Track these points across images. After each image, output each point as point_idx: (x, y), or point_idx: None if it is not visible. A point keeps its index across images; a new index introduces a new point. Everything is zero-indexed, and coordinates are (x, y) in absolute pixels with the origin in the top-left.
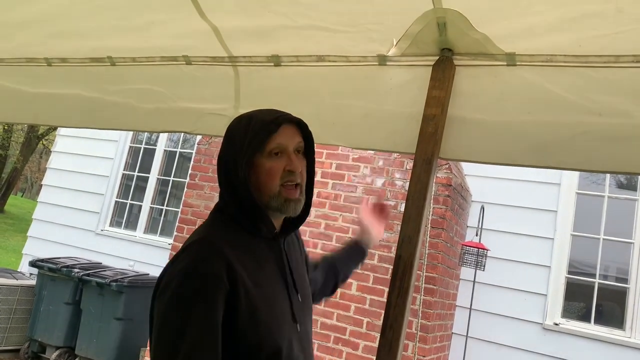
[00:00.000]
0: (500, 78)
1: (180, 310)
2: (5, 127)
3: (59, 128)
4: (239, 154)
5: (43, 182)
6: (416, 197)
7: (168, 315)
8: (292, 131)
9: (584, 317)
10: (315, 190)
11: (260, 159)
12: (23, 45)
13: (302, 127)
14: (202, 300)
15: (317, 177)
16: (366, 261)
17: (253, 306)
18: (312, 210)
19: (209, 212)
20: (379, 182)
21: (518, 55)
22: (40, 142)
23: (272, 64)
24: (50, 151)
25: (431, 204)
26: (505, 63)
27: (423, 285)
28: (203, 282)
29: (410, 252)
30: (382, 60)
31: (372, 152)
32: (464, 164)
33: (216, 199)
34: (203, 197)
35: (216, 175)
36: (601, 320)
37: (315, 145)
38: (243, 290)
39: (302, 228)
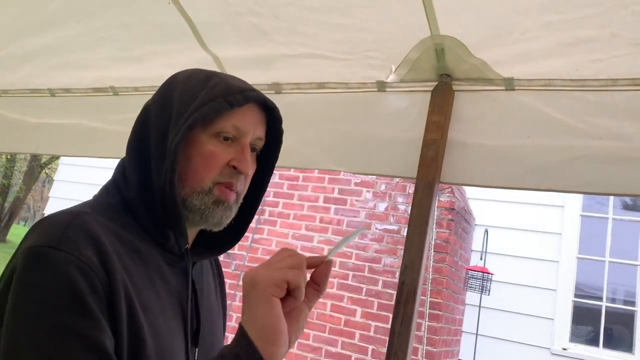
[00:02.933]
0: (499, 102)
1: (30, 309)
2: (9, 157)
3: (61, 157)
4: (177, 117)
5: (45, 211)
6: (418, 222)
7: (13, 321)
8: (257, 118)
9: (593, 341)
10: (318, 216)
11: (202, 135)
12: (27, 76)
13: (271, 119)
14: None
15: (320, 202)
16: (370, 287)
17: (137, 330)
18: (315, 236)
19: None
20: (382, 206)
21: (516, 80)
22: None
23: (273, 91)
24: (53, 180)
25: (434, 229)
26: (503, 88)
27: (427, 311)
28: (70, 276)
29: (414, 278)
30: (382, 86)
31: (374, 176)
32: (466, 188)
33: None
34: None
35: None
36: (610, 344)
37: (279, 155)
38: (124, 295)
39: (304, 254)
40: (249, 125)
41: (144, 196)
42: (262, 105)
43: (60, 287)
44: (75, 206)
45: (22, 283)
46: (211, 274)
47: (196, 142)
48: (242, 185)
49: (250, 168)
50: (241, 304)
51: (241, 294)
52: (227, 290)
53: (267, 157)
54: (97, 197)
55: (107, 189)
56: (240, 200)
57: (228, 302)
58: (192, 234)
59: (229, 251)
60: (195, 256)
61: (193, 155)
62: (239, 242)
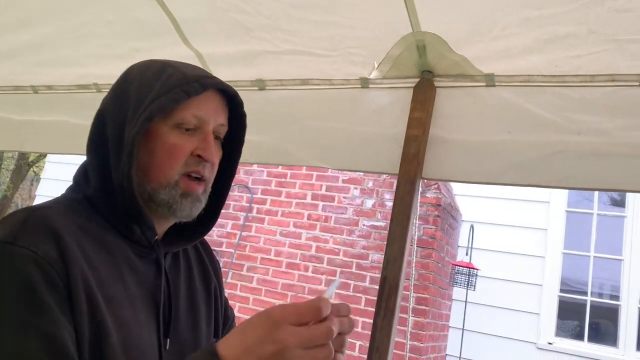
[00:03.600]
0: (480, 98)
1: None
2: None
3: (48, 155)
4: (134, 110)
5: None
6: (400, 217)
7: None
8: (217, 105)
9: (578, 336)
10: (306, 213)
11: (162, 127)
12: (9, 73)
13: (233, 105)
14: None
15: (307, 199)
16: (358, 283)
17: (100, 327)
18: (303, 233)
19: None
20: (369, 203)
21: (497, 76)
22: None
23: (257, 88)
24: (40, 178)
25: (416, 224)
26: (484, 84)
27: (412, 305)
28: (27, 271)
29: (396, 273)
30: (365, 82)
31: (362, 173)
32: (453, 184)
33: None
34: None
35: None
36: (595, 338)
37: (245, 136)
38: (85, 288)
39: (292, 251)
40: (210, 113)
41: (105, 192)
42: (221, 92)
43: (14, 282)
44: (39, 203)
45: None
46: (196, 259)
47: (157, 135)
48: (210, 174)
49: (215, 156)
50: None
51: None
52: None
53: (233, 142)
54: (62, 195)
55: (70, 188)
56: (209, 188)
57: None
58: (164, 225)
59: (217, 249)
60: (167, 246)
61: (156, 149)
62: (227, 240)
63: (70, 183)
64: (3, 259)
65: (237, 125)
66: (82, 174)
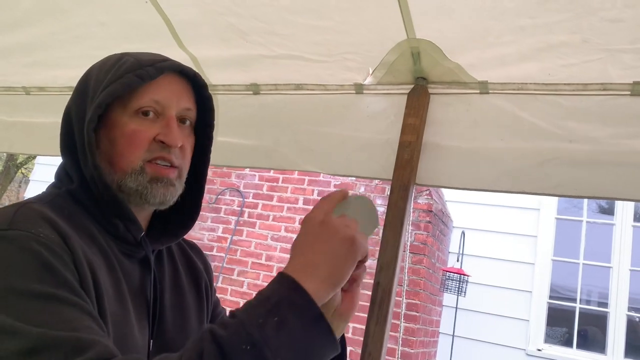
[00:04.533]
0: (474, 106)
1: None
2: None
3: (37, 157)
4: (90, 102)
5: None
6: (394, 223)
7: None
8: (178, 87)
9: (567, 342)
10: (298, 217)
11: (121, 116)
12: (1, 74)
13: (196, 88)
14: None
15: (299, 204)
16: None
17: (102, 314)
18: (294, 238)
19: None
20: None
21: (490, 84)
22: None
23: (251, 92)
24: (29, 180)
25: (409, 230)
26: (478, 91)
27: (404, 311)
28: (25, 242)
29: (389, 278)
30: (359, 88)
31: (354, 178)
32: (444, 190)
33: None
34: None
35: None
36: (583, 345)
37: (214, 119)
38: (90, 272)
39: (283, 255)
40: (170, 97)
41: (85, 188)
42: (182, 74)
43: (28, 259)
44: (21, 202)
45: None
46: (180, 255)
47: (117, 124)
48: (180, 160)
49: (179, 140)
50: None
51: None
52: None
53: (203, 127)
54: (46, 192)
55: (52, 185)
56: (184, 175)
57: None
58: (142, 215)
59: (207, 253)
60: (153, 243)
61: (116, 137)
62: (218, 244)
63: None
64: (5, 244)
65: (205, 108)
66: (64, 173)
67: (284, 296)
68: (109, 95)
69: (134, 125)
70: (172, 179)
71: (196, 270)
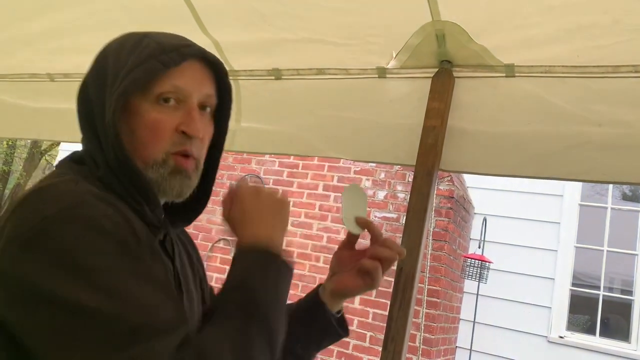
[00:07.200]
0: (499, 89)
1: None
2: (9, 143)
3: (61, 143)
4: (110, 87)
5: None
6: (417, 209)
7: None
8: (201, 74)
9: (589, 330)
10: (317, 203)
11: (142, 102)
12: (26, 61)
13: (218, 74)
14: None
15: (319, 190)
16: None
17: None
18: (314, 224)
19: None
20: (381, 194)
21: (517, 67)
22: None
23: (273, 77)
24: (53, 166)
25: (433, 216)
26: (504, 74)
27: (425, 298)
28: (101, 221)
29: (412, 264)
30: (382, 72)
31: (374, 164)
32: (465, 176)
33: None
34: None
35: None
36: (606, 332)
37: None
38: (149, 251)
39: (303, 241)
40: (192, 84)
41: (112, 174)
42: (204, 60)
43: (115, 234)
44: (61, 176)
45: (69, 249)
46: (189, 251)
47: (138, 112)
48: (199, 150)
49: (201, 131)
50: None
51: None
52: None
53: (221, 115)
54: (67, 168)
55: (71, 161)
56: (201, 166)
57: None
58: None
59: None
60: (170, 226)
61: (137, 127)
62: None
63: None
64: (82, 221)
65: (224, 97)
66: (88, 157)
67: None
68: (132, 83)
69: (155, 114)
70: (189, 172)
71: (192, 255)
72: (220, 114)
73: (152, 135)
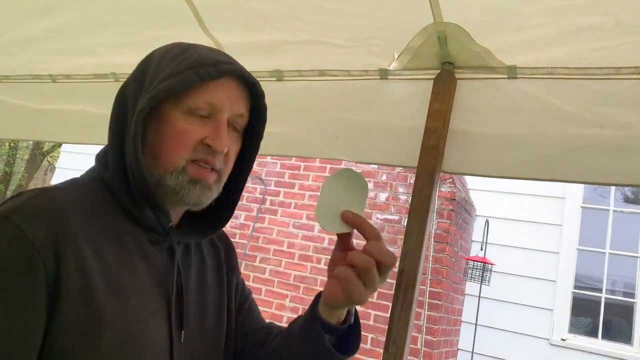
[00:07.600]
0: (502, 91)
1: None
2: (11, 144)
3: (63, 144)
4: (145, 90)
5: None
6: (419, 210)
7: None
8: (236, 92)
9: (591, 333)
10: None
11: (173, 111)
12: (28, 62)
13: (254, 94)
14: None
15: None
16: None
17: (95, 316)
18: (316, 225)
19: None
20: (383, 196)
21: (519, 68)
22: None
23: (275, 78)
24: (55, 167)
25: (434, 218)
26: (506, 76)
27: (427, 300)
28: (8, 249)
29: (413, 266)
30: (384, 74)
31: (376, 166)
32: (467, 178)
33: None
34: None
35: None
36: (609, 335)
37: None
38: (79, 276)
39: (305, 243)
40: (224, 101)
41: (121, 175)
42: (241, 80)
43: None
44: (57, 183)
45: None
46: (211, 253)
47: (168, 119)
48: (223, 165)
49: (226, 146)
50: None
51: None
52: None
53: (252, 136)
54: (81, 176)
55: (91, 169)
56: (224, 180)
57: None
58: (177, 213)
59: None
60: (181, 235)
61: (164, 133)
62: (240, 231)
63: (84, 172)
64: None
65: (257, 118)
66: (103, 156)
67: None
68: (164, 90)
69: (184, 124)
70: (210, 184)
71: (221, 261)
72: (252, 135)
73: (176, 143)
